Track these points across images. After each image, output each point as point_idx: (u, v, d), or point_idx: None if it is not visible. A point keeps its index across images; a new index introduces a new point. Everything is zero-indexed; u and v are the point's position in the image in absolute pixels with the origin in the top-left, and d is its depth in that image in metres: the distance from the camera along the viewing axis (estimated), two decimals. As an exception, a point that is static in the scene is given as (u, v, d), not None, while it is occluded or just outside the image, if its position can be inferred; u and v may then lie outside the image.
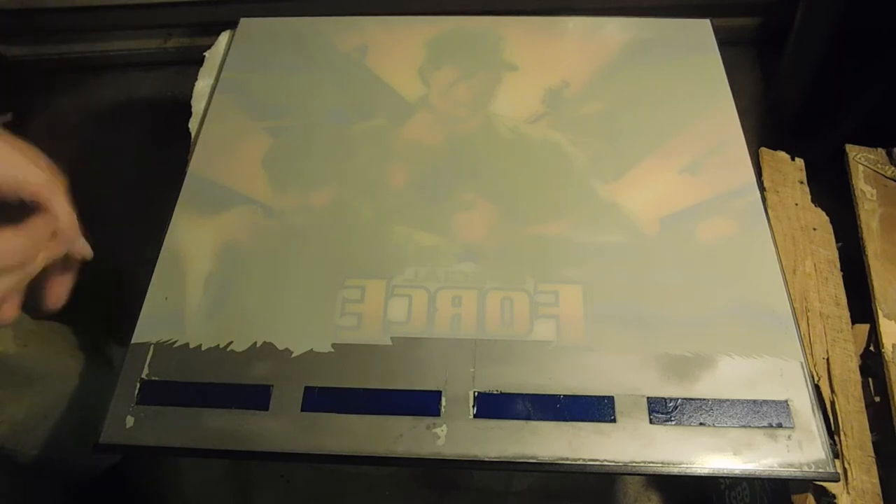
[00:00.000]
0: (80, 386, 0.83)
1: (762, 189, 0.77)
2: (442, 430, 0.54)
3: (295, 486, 1.03)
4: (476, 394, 0.56)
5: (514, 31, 0.84)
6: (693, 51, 0.81)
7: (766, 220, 0.66)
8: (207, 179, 0.71)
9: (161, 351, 0.59)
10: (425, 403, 0.55)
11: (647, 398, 0.55)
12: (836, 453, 0.66)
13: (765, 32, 1.49)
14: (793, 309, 0.60)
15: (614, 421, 0.54)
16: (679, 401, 0.55)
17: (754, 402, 0.55)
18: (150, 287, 0.63)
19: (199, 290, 0.62)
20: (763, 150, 0.88)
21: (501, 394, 0.56)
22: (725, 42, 0.81)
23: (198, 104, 0.79)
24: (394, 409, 0.55)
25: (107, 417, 0.55)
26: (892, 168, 0.87)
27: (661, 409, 0.55)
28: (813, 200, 0.85)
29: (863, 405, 0.70)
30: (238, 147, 0.73)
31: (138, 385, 0.57)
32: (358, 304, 0.61)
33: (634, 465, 0.52)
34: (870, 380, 0.73)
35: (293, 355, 0.58)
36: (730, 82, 0.77)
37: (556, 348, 0.58)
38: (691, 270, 0.62)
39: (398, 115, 0.76)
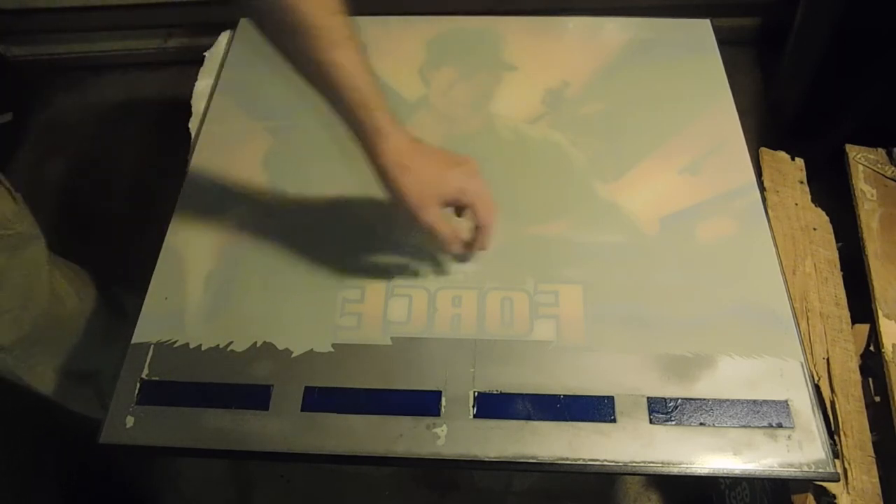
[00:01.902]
0: (89, 325, 0.85)
1: (762, 189, 0.77)
2: (442, 430, 0.54)
3: (295, 486, 1.03)
4: (476, 394, 0.56)
5: (514, 31, 0.84)
6: (693, 51, 0.81)
7: (766, 220, 0.66)
8: (207, 179, 0.71)
9: (161, 351, 0.59)
10: (425, 403, 0.55)
11: (647, 398, 0.55)
12: (836, 453, 0.66)
13: (765, 32, 1.49)
14: (793, 309, 0.60)
15: (614, 421, 0.54)
16: (679, 401, 0.55)
17: (754, 402, 0.55)
18: (150, 287, 0.63)
19: (199, 290, 0.62)
20: (763, 150, 0.88)
21: (501, 394, 0.56)
22: (725, 42, 0.81)
23: (198, 104, 0.79)
24: (394, 409, 0.55)
25: (107, 417, 0.55)
26: (892, 168, 0.87)
27: (661, 409, 0.55)
28: (813, 200, 0.85)
29: (863, 405, 0.70)
30: (238, 147, 0.73)
31: (138, 385, 0.57)
32: (358, 304, 0.61)
33: (634, 465, 0.52)
34: (870, 380, 0.73)
35: (293, 355, 0.58)
36: (730, 82, 0.77)
37: (556, 348, 0.58)
38: (691, 270, 0.62)
39: (398, 115, 0.75)
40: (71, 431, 0.86)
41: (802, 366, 0.57)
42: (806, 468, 0.52)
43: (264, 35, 0.50)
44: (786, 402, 0.55)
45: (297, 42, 0.48)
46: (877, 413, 0.70)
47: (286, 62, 0.50)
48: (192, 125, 0.77)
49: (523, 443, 0.53)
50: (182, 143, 0.76)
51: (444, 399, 0.55)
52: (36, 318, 0.76)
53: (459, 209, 0.57)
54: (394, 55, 0.81)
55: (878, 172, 0.87)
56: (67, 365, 0.83)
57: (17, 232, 0.72)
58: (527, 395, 0.55)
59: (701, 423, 0.54)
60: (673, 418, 0.54)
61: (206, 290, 0.62)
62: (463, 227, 0.58)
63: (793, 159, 0.88)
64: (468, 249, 0.57)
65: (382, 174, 0.51)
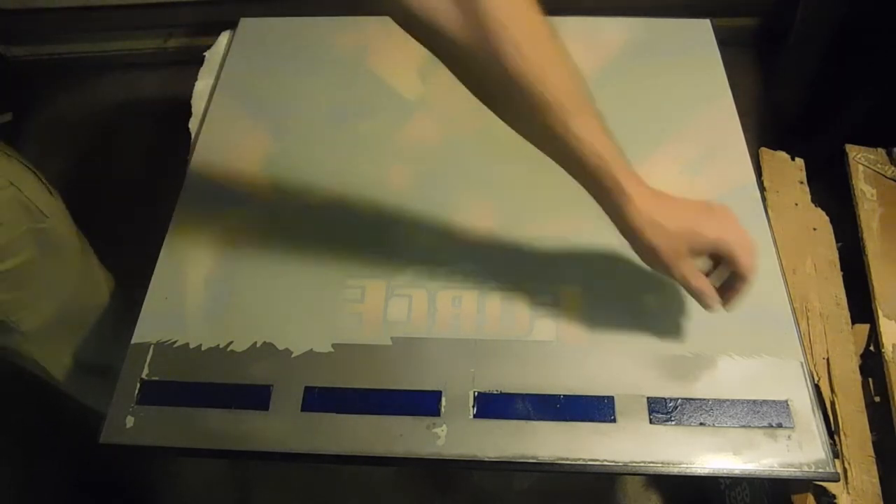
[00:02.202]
0: (112, 319, 0.85)
1: (762, 189, 0.77)
2: (442, 430, 0.54)
3: (295, 486, 1.03)
4: (476, 394, 0.56)
5: (514, 31, 0.84)
6: (693, 51, 0.81)
7: (766, 220, 0.66)
8: (207, 179, 0.71)
9: (161, 351, 0.59)
10: (425, 403, 0.55)
11: (647, 398, 0.55)
12: (836, 453, 0.66)
13: (765, 32, 1.49)
14: (793, 309, 0.60)
15: (614, 421, 0.54)
16: (679, 401, 0.55)
17: (754, 402, 0.55)
18: (150, 287, 0.63)
19: (199, 290, 0.62)
20: (763, 150, 0.88)
21: (501, 394, 0.56)
22: (725, 42, 0.81)
23: (198, 104, 0.79)
24: (394, 409, 0.55)
25: (107, 417, 0.55)
26: (892, 168, 0.87)
27: (661, 409, 0.54)
28: (813, 200, 0.85)
29: (863, 405, 0.70)
30: (238, 147, 0.73)
31: (138, 385, 0.57)
32: (358, 304, 0.61)
33: (634, 465, 0.52)
34: (870, 380, 0.73)
35: (293, 355, 0.58)
36: (730, 82, 0.77)
37: (556, 348, 0.58)
38: (691, 270, 0.62)
39: (398, 115, 0.76)
40: (72, 431, 0.86)
41: (802, 366, 0.57)
42: (806, 468, 0.52)
43: (499, 115, 0.49)
44: (786, 402, 0.55)
45: (534, 121, 0.47)
46: (877, 413, 0.70)
47: (517, 132, 0.49)
48: (192, 125, 0.77)
49: (523, 443, 0.53)
50: (182, 143, 0.76)
51: (444, 399, 0.55)
52: (62, 308, 0.77)
53: (717, 258, 0.53)
54: (394, 55, 0.81)
55: (878, 172, 0.87)
56: (87, 357, 0.84)
57: (51, 227, 0.72)
58: (527, 395, 0.55)
59: (701, 423, 0.54)
60: (673, 418, 0.54)
61: (206, 290, 0.62)
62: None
63: (793, 159, 0.88)
64: (726, 303, 0.53)
65: (632, 235, 0.50)
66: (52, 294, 0.75)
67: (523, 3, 0.44)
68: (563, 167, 0.49)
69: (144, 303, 0.62)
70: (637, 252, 0.51)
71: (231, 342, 0.59)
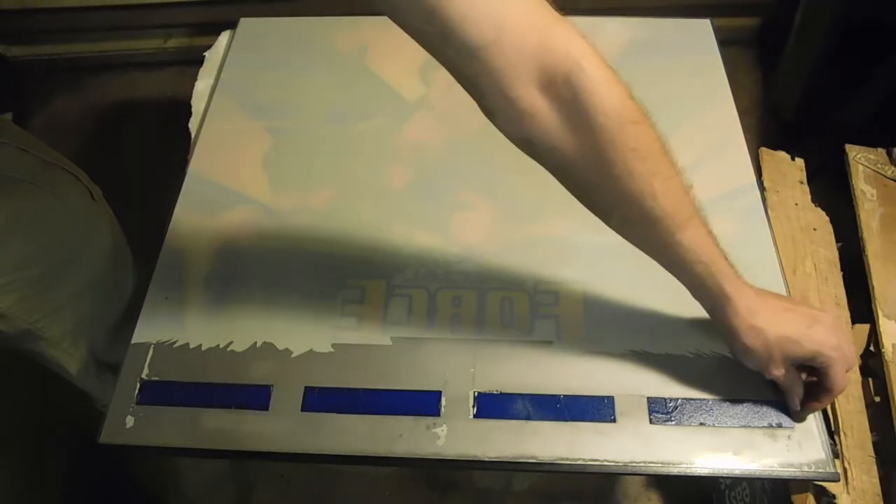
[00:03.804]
0: (128, 314, 0.85)
1: (762, 189, 0.77)
2: (442, 430, 0.54)
3: (295, 486, 1.03)
4: (476, 394, 0.56)
5: (514, 31, 0.84)
6: (693, 51, 0.81)
7: (766, 220, 0.66)
8: (207, 179, 0.71)
9: (161, 351, 0.59)
10: (425, 403, 0.55)
11: (647, 398, 0.55)
12: (836, 453, 0.66)
13: (765, 32, 1.49)
14: (793, 309, 0.60)
15: (614, 421, 0.54)
16: (679, 401, 0.55)
17: (754, 402, 0.55)
18: (150, 287, 0.63)
19: (199, 290, 0.62)
20: (763, 150, 0.88)
21: (501, 394, 0.56)
22: (725, 42, 0.81)
23: (198, 104, 0.79)
24: (394, 409, 0.55)
25: (107, 417, 0.55)
26: (892, 168, 0.87)
27: (661, 409, 0.54)
28: (813, 200, 0.84)
29: (863, 405, 0.70)
30: (238, 147, 0.73)
31: (138, 385, 0.57)
32: (358, 305, 0.61)
33: (634, 465, 0.52)
34: (870, 380, 0.73)
35: (293, 355, 0.58)
36: (730, 82, 0.77)
37: (556, 348, 0.58)
38: (691, 270, 0.62)
39: (398, 115, 0.76)
40: (72, 431, 0.86)
41: (802, 366, 0.57)
42: (806, 468, 0.52)
43: (606, 222, 0.50)
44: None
45: (642, 231, 0.48)
46: (877, 413, 0.70)
47: (621, 236, 0.51)
48: (192, 125, 0.77)
49: (523, 443, 0.53)
50: (182, 143, 0.76)
51: (444, 399, 0.55)
52: (90, 312, 0.76)
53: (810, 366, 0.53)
54: (394, 55, 0.81)
55: (878, 172, 0.86)
56: (108, 356, 0.83)
57: (85, 235, 0.73)
58: (527, 395, 0.55)
59: (701, 423, 0.54)
60: (673, 418, 0.54)
61: (206, 290, 0.62)
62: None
63: (793, 159, 0.88)
64: (803, 410, 0.53)
65: (730, 335, 0.51)
66: (78, 301, 0.75)
67: (633, 119, 0.45)
68: (665, 269, 0.50)
69: (144, 303, 0.62)
70: (732, 351, 0.53)
71: (231, 342, 0.59)
